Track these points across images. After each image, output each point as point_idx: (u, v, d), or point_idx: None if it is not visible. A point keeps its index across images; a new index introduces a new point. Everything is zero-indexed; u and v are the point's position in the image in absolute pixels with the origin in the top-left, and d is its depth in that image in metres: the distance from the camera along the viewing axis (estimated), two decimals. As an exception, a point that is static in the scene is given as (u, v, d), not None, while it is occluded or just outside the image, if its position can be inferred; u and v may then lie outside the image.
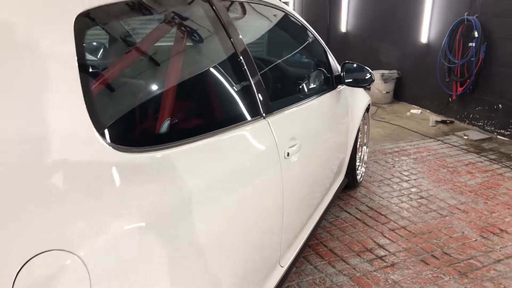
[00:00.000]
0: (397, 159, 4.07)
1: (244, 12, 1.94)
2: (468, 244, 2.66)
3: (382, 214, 3.02)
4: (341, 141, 2.77)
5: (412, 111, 5.68)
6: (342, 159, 2.87)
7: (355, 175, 3.24)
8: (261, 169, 1.59)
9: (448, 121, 5.24)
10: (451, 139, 4.70)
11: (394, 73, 6.01)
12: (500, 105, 4.72)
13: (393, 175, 3.69)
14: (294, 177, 1.85)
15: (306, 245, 2.23)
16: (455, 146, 4.46)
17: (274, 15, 2.25)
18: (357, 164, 3.47)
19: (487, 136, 4.74)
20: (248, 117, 1.59)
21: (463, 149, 4.37)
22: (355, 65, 2.61)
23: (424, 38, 5.56)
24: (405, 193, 3.36)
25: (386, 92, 6.02)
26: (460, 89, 5.09)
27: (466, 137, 4.69)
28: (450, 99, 5.30)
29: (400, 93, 6.14)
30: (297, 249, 2.06)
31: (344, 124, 2.79)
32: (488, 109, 4.88)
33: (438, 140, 4.63)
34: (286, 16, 2.28)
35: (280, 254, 1.84)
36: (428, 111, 5.68)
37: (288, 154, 1.74)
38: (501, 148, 4.42)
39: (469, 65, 4.88)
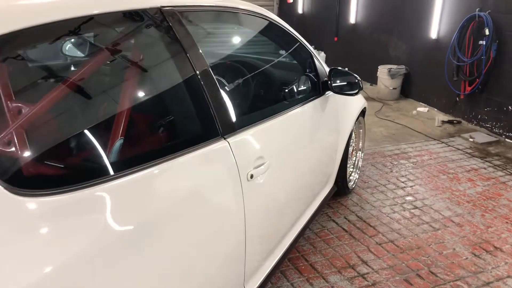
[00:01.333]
0: (396, 162, 3.92)
1: (214, 21, 1.81)
2: (458, 262, 2.53)
3: (371, 226, 2.89)
4: (329, 149, 2.65)
5: (418, 109, 5.48)
6: (330, 167, 2.74)
7: (345, 182, 3.10)
8: (216, 195, 1.49)
9: (455, 121, 5.04)
10: (456, 141, 4.51)
11: (401, 69, 5.79)
12: (510, 107, 4.50)
13: (389, 181, 3.54)
14: (261, 199, 1.74)
15: (281, 262, 2.13)
16: (459, 149, 4.27)
17: (251, 22, 2.11)
18: (350, 170, 3.34)
19: (495, 139, 4.53)
20: (202, 140, 1.47)
21: (467, 153, 4.19)
22: (343, 71, 2.46)
23: (433, 33, 5.33)
24: (398, 202, 3.22)
25: (393, 88, 5.82)
26: (468, 89, 4.87)
27: (472, 140, 4.50)
28: (457, 98, 5.09)
29: (408, 90, 5.93)
30: (268, 270, 1.96)
31: (332, 131, 2.65)
32: (497, 111, 4.66)
33: (442, 143, 4.44)
34: (265, 22, 2.14)
35: (244, 278, 1.74)
36: (436, 109, 5.47)
37: (251, 176, 1.63)
38: (508, 153, 4.22)
39: (479, 63, 4.65)
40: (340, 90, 2.47)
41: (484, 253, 2.62)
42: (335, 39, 7.39)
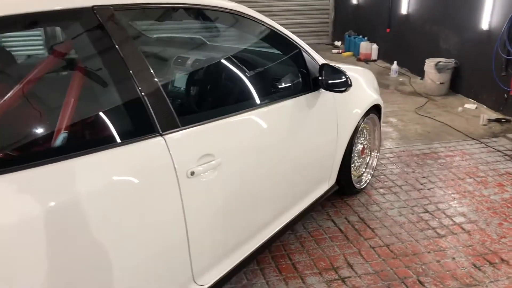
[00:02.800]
0: (421, 163, 3.71)
1: (165, 19, 1.83)
2: (452, 273, 2.36)
3: (370, 228, 2.78)
4: (323, 147, 2.58)
5: (466, 105, 5.12)
6: (325, 166, 2.67)
7: (349, 181, 3.00)
8: (148, 190, 1.52)
9: (503, 120, 4.64)
10: (498, 142, 4.16)
11: (451, 62, 5.42)
12: None
13: (406, 182, 3.37)
14: (208, 196, 1.75)
15: (251, 259, 2.14)
16: (499, 151, 3.94)
17: (215, 18, 2.10)
18: (362, 170, 3.22)
19: (544, 141, 4.13)
20: (132, 136, 1.51)
21: (506, 155, 3.85)
22: (333, 67, 2.38)
23: (485, 24, 4.93)
24: (409, 204, 3.06)
25: (440, 83, 5.47)
26: (518, 85, 4.46)
27: (516, 141, 4.13)
28: (505, 95, 4.68)
29: (457, 85, 5.55)
30: (230, 267, 1.97)
31: (328, 129, 2.58)
32: (549, 109, 4.23)
33: (481, 143, 4.12)
34: (234, 17, 2.10)
35: (192, 274, 1.78)
36: (485, 106, 5.08)
37: (192, 173, 1.64)
38: (554, 156, 3.83)
39: (530, 57, 4.24)
40: (330, 87, 2.39)
41: (486, 265, 2.42)
42: (387, 30, 7.09)
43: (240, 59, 2.33)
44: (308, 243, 2.63)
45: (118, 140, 1.48)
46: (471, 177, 3.45)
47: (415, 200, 3.11)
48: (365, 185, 3.22)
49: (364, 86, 3.08)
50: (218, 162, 1.76)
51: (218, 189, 1.80)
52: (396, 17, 6.84)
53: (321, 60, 2.57)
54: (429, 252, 2.54)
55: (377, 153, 3.36)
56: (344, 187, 3.00)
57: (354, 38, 7.87)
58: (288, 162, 2.26)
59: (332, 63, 2.57)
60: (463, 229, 2.77)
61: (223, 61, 2.28)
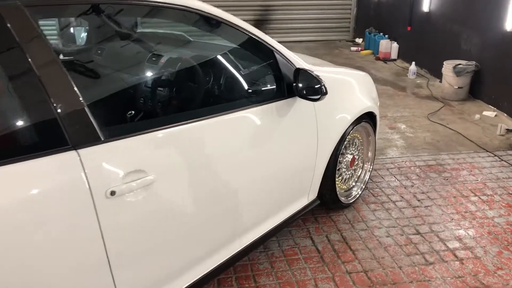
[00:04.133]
0: (423, 176, 3.40)
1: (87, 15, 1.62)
2: (433, 310, 2.09)
3: (351, 249, 2.53)
4: (298, 159, 2.34)
5: (484, 113, 4.74)
6: (302, 179, 2.43)
7: (335, 196, 2.74)
8: (57, 210, 1.34)
9: (523, 131, 4.26)
10: (515, 155, 3.80)
11: (470, 65, 5.04)
12: None
13: (402, 198, 3.08)
14: (135, 217, 1.55)
15: (207, 279, 1.93)
16: (513, 165, 3.59)
17: (157, 15, 1.88)
18: (351, 184, 2.96)
19: None
20: (36, 151, 1.32)
21: (521, 171, 3.50)
22: (307, 73, 2.13)
23: (509, 25, 4.53)
24: (400, 224, 2.78)
25: (458, 87, 5.10)
26: (541, 93, 4.06)
27: (534, 155, 3.76)
28: (526, 104, 4.29)
29: (477, 90, 5.15)
30: None
31: (305, 139, 2.33)
32: None
33: (495, 156, 3.77)
34: (184, 14, 1.85)
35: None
36: (505, 115, 4.68)
37: (113, 193, 1.45)
38: None
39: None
40: (304, 95, 2.15)
41: (474, 302, 2.14)
42: (408, 28, 6.70)
43: (192, 62, 2.10)
44: (278, 264, 2.41)
45: (18, 154, 1.29)
46: (476, 195, 3.13)
47: (407, 219, 2.83)
48: (353, 200, 2.95)
49: (356, 91, 2.81)
50: (151, 180, 1.56)
51: (151, 209, 1.59)
52: (418, 14, 6.45)
53: (302, 65, 2.32)
54: (411, 282, 2.27)
55: (370, 165, 3.09)
56: (329, 201, 2.75)
57: (374, 35, 7.50)
58: (250, 175, 2.03)
59: (316, 68, 2.33)
60: (456, 256, 2.48)
61: (168, 63, 2.04)
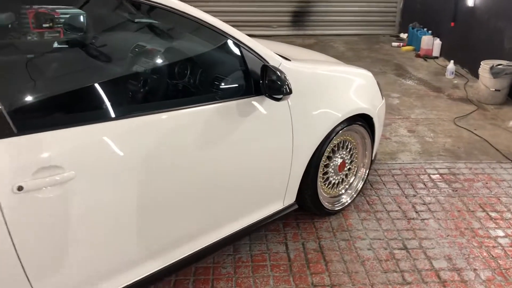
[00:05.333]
0: (430, 185, 3.14)
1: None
2: (394, 336, 1.90)
3: (325, 260, 2.37)
4: (270, 161, 2.21)
5: (521, 119, 4.32)
6: (273, 181, 2.30)
7: (317, 202, 2.58)
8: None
9: (561, 141, 3.83)
10: (543, 168, 3.42)
11: (510, 66, 4.60)
12: None
13: (399, 208, 2.86)
14: (50, 215, 1.50)
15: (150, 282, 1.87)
16: (538, 180, 3.23)
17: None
18: (339, 191, 2.78)
19: None
20: None
21: (545, 186, 3.14)
22: (273, 70, 1.99)
23: (554, 23, 4.07)
24: (388, 236, 2.57)
25: (495, 90, 4.67)
26: None
27: None
28: None
29: (518, 93, 4.71)
30: None
31: (273, 139, 2.19)
32: None
33: (520, 168, 3.42)
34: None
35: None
36: (545, 122, 4.24)
37: (20, 188, 1.40)
38: None
39: None
40: (268, 93, 2.02)
41: (443, 332, 1.93)
42: (452, 24, 6.24)
43: (137, 53, 2.00)
44: (243, 269, 2.30)
45: None
46: (484, 210, 2.84)
47: (397, 232, 2.61)
48: (341, 207, 2.77)
49: (349, 91, 2.62)
50: (68, 176, 1.50)
51: (70, 207, 1.54)
52: (462, 9, 5.99)
53: (278, 61, 2.18)
54: (380, 302, 2.09)
55: (365, 173, 2.88)
56: (310, 207, 2.59)
57: (417, 31, 7.07)
58: (200, 175, 1.93)
59: (301, 65, 2.21)
60: (439, 277, 2.25)
61: (105, 53, 1.94)
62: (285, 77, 1.98)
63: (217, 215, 2.09)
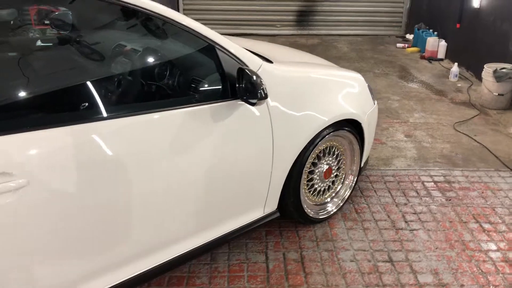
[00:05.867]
0: (423, 193, 3.02)
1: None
2: None
3: (305, 271, 2.28)
4: (243, 166, 2.11)
5: (524, 125, 4.18)
6: (252, 188, 2.21)
7: (301, 210, 2.48)
8: None
9: None
10: (543, 178, 3.28)
11: (514, 70, 4.45)
12: None
13: (388, 217, 2.75)
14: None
15: None
16: (537, 190, 3.10)
17: None
18: (324, 198, 2.68)
19: None
20: None
21: (544, 197, 3.01)
22: (247, 74, 1.90)
23: (559, 26, 3.92)
24: (374, 247, 2.47)
25: (499, 95, 4.53)
26: None
27: None
28: None
29: (522, 98, 4.56)
30: None
31: (251, 144, 2.10)
32: None
33: (519, 176, 3.28)
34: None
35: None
36: (548, 129, 4.09)
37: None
38: None
39: None
40: (246, 97, 1.93)
41: None
42: (457, 26, 6.09)
43: (99, 55, 1.91)
44: (218, 280, 2.21)
45: None
46: (477, 222, 2.72)
47: (383, 243, 2.51)
48: (326, 216, 2.67)
49: (336, 95, 2.53)
50: (19, 184, 1.43)
51: (21, 215, 1.46)
52: (468, 10, 5.84)
53: (258, 63, 2.09)
54: (358, 319, 1.99)
55: (353, 180, 2.78)
56: (293, 215, 2.50)
57: (423, 32, 6.92)
58: (171, 182, 1.85)
59: (282, 67, 2.13)
60: (423, 293, 2.15)
61: (66, 54, 1.84)
62: (260, 81, 1.89)
63: (191, 222, 2.01)
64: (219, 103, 1.95)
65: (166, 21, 1.80)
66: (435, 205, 2.89)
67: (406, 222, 2.71)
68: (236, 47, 2.03)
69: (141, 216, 1.79)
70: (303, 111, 2.29)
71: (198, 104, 1.89)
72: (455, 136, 3.98)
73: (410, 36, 7.88)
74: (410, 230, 2.63)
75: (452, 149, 3.73)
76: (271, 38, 7.78)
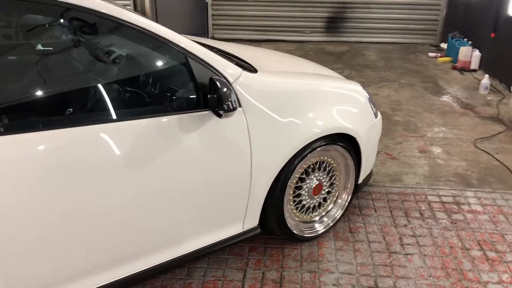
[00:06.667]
0: (427, 214, 2.83)
1: None
2: None
3: (281, 294, 2.16)
4: (215, 180, 2.02)
5: (554, 144, 3.86)
6: (228, 204, 2.12)
7: (284, 227, 2.37)
8: None
9: None
10: None
11: (547, 85, 4.13)
12: None
13: (383, 239, 2.58)
14: None
15: None
16: (556, 217, 2.83)
17: None
18: (312, 217, 2.55)
19: None
20: None
21: None
22: (217, 84, 1.81)
23: None
24: (361, 272, 2.31)
25: (528, 110, 4.22)
26: None
27: None
28: None
29: (554, 115, 4.22)
30: None
31: (225, 157, 2.01)
32: None
33: (538, 201, 3.02)
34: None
35: None
36: None
37: None
38: None
39: None
40: (216, 108, 1.85)
41: None
42: (492, 35, 5.75)
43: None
44: (189, 297, 2.13)
45: None
46: (481, 249, 2.50)
47: (372, 267, 2.34)
48: (313, 235, 2.53)
49: (329, 107, 2.39)
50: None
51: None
52: (503, 19, 5.50)
53: (237, 72, 2.01)
54: None
55: (346, 199, 2.62)
56: (276, 232, 2.39)
57: (456, 41, 6.59)
58: (137, 194, 1.79)
59: (270, 78, 2.06)
60: (405, 327, 1.98)
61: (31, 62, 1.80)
62: (229, 92, 1.80)
63: (158, 235, 1.94)
64: (189, 113, 1.87)
65: (137, 30, 1.75)
66: (438, 228, 2.69)
67: (402, 245, 2.53)
68: (212, 56, 1.95)
69: (106, 229, 1.74)
70: (287, 125, 2.17)
71: (167, 114, 1.82)
72: (474, 153, 3.73)
73: (444, 45, 7.55)
74: (405, 254, 2.45)
75: (469, 167, 3.48)
76: (299, 44, 7.66)
